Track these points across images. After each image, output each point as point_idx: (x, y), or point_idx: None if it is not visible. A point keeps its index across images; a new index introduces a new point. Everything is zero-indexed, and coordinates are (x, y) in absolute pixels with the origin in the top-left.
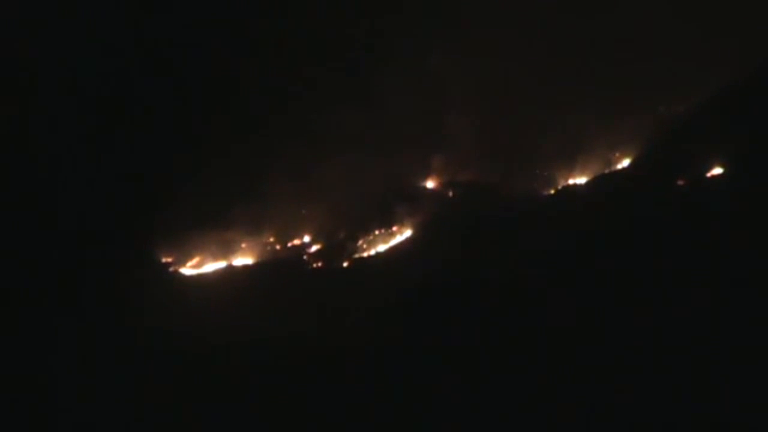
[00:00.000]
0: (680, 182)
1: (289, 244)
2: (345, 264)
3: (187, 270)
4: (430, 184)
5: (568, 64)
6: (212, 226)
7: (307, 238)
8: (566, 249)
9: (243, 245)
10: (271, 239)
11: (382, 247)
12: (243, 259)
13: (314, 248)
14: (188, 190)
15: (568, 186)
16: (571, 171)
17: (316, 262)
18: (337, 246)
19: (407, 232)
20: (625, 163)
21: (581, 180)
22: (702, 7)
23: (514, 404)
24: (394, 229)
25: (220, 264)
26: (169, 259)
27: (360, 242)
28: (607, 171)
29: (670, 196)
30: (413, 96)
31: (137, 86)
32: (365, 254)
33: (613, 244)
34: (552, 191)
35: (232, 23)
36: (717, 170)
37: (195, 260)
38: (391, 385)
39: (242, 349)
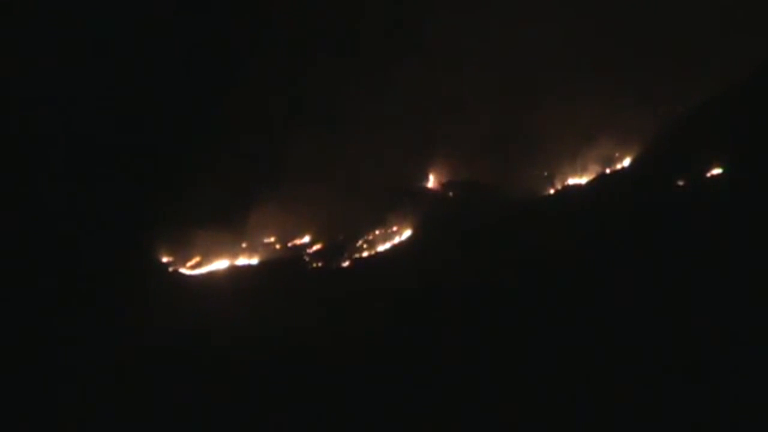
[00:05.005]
0: (680, 182)
1: (289, 244)
2: (345, 264)
3: (187, 270)
4: (430, 184)
5: (568, 66)
6: (212, 226)
7: (307, 238)
8: (566, 249)
9: (243, 245)
10: (272, 239)
11: (382, 247)
12: (243, 259)
13: (314, 248)
14: (189, 190)
15: (568, 186)
16: (571, 171)
17: (316, 262)
18: (337, 246)
19: (407, 232)
20: (626, 162)
21: (581, 180)
22: (702, 7)
23: (513, 404)
24: (394, 229)
25: (221, 264)
26: (169, 259)
27: (360, 242)
28: (607, 171)
29: (670, 196)
30: (413, 97)
31: (139, 85)
32: (365, 254)
33: (613, 244)
34: (552, 191)
35: (235, 22)
36: (717, 170)
37: (195, 260)
38: (391, 385)
39: (242, 348)
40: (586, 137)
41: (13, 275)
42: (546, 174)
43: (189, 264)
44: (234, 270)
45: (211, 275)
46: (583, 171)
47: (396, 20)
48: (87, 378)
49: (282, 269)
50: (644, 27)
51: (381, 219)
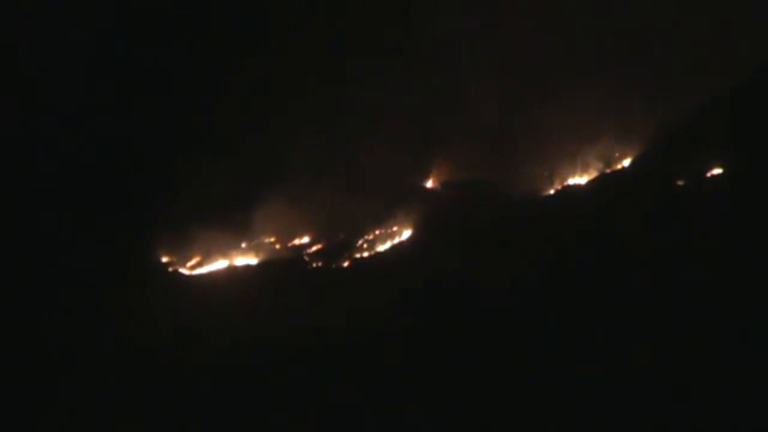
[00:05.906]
0: (680, 182)
1: (289, 244)
2: (345, 264)
3: (187, 270)
4: (430, 184)
5: (568, 65)
6: (212, 226)
7: (307, 238)
8: (566, 249)
9: (243, 245)
10: (271, 239)
11: (382, 247)
12: (243, 259)
13: (314, 248)
14: (189, 189)
15: (568, 186)
16: (571, 171)
17: (316, 262)
18: (337, 246)
19: (407, 232)
20: (626, 162)
21: (581, 180)
22: (702, 8)
23: (513, 404)
24: (394, 229)
25: (221, 264)
26: (169, 259)
27: (360, 242)
28: (607, 171)
29: (670, 196)
30: (413, 96)
31: (139, 84)
32: (365, 254)
33: (613, 244)
34: (552, 191)
35: (236, 21)
36: (717, 170)
37: (195, 260)
38: (391, 385)
39: (242, 348)
40: (587, 137)
41: (13, 275)
42: (546, 173)
43: (189, 264)
44: (234, 270)
45: (211, 275)
46: (583, 170)
47: (396, 20)
48: (87, 378)
49: (282, 269)
50: (644, 27)
51: (381, 219)
